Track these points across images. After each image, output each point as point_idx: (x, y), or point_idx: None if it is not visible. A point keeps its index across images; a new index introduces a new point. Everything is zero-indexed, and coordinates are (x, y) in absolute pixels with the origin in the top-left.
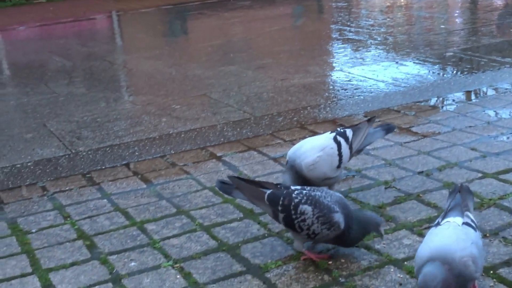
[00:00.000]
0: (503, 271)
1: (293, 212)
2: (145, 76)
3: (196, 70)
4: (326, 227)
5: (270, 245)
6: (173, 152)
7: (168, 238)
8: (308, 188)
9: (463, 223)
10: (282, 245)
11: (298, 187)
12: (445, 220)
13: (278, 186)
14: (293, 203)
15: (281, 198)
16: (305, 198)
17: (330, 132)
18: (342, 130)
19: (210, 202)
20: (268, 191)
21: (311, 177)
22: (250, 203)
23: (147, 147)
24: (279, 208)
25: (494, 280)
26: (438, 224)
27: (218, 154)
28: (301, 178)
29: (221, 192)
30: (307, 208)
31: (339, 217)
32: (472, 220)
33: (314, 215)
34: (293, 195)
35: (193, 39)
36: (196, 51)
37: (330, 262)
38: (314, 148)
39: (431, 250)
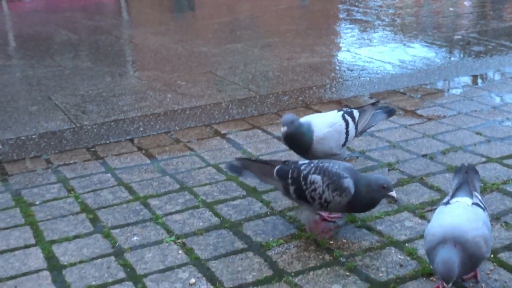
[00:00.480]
0: (503, 255)
1: (303, 183)
2: (151, 51)
3: (202, 47)
4: (338, 194)
5: (272, 224)
6: (177, 129)
7: (171, 213)
8: (316, 161)
9: (473, 203)
10: (284, 224)
11: (306, 161)
12: (454, 199)
13: (286, 162)
14: (302, 175)
15: (290, 171)
16: (313, 168)
17: (337, 110)
18: (349, 110)
19: (213, 179)
20: (277, 167)
21: (317, 150)
22: (260, 180)
23: (151, 123)
24: (289, 181)
25: (495, 264)
26: (448, 203)
27: (223, 132)
28: (307, 151)
29: (230, 173)
30: (317, 178)
31: (348, 182)
32: (480, 200)
33: (324, 183)
34: (301, 168)
35: (199, 16)
36: (203, 28)
37: (331, 242)
38: (324, 123)
39: (443, 230)
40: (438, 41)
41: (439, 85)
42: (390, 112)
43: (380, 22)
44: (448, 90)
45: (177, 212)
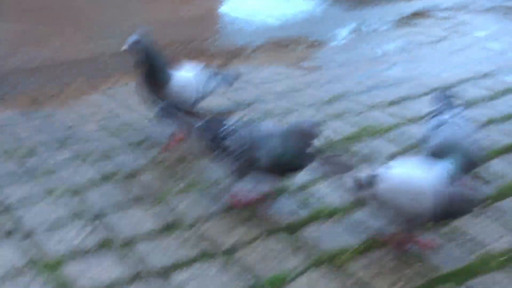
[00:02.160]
0: None
1: None
2: (22, 2)
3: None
4: None
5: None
6: (56, 84)
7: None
8: None
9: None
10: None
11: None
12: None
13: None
14: None
15: None
16: None
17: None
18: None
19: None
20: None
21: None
22: None
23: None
24: None
25: None
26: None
27: (102, 87)
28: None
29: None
30: None
31: None
32: None
33: None
34: None
35: None
36: None
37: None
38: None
39: None
40: None
41: (321, 37)
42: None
43: None
44: (329, 42)
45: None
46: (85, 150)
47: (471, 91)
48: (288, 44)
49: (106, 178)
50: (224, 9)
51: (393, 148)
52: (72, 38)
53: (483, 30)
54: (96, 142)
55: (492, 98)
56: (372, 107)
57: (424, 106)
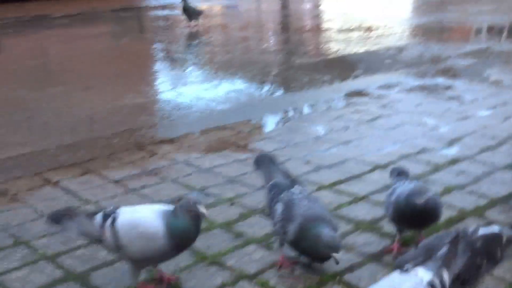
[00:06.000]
0: None
1: None
2: None
3: (19, 91)
4: None
5: (121, 270)
6: (1, 181)
7: (9, 271)
8: None
9: (428, 283)
10: None
11: None
12: (414, 269)
13: None
14: None
15: None
16: None
17: None
18: None
19: (51, 230)
20: None
21: None
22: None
23: None
24: None
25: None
26: (407, 270)
27: (54, 180)
28: None
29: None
30: None
31: None
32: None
33: None
34: None
35: (11, 58)
36: (16, 71)
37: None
38: None
39: None
40: (258, 76)
41: (264, 119)
42: None
43: (199, 60)
44: (273, 123)
45: (15, 269)
46: (39, 248)
47: (411, 167)
48: (234, 126)
49: (59, 280)
50: (168, 95)
51: (344, 227)
52: (18, 130)
53: (415, 107)
54: (50, 239)
55: (431, 172)
56: (321, 186)
57: (368, 184)
